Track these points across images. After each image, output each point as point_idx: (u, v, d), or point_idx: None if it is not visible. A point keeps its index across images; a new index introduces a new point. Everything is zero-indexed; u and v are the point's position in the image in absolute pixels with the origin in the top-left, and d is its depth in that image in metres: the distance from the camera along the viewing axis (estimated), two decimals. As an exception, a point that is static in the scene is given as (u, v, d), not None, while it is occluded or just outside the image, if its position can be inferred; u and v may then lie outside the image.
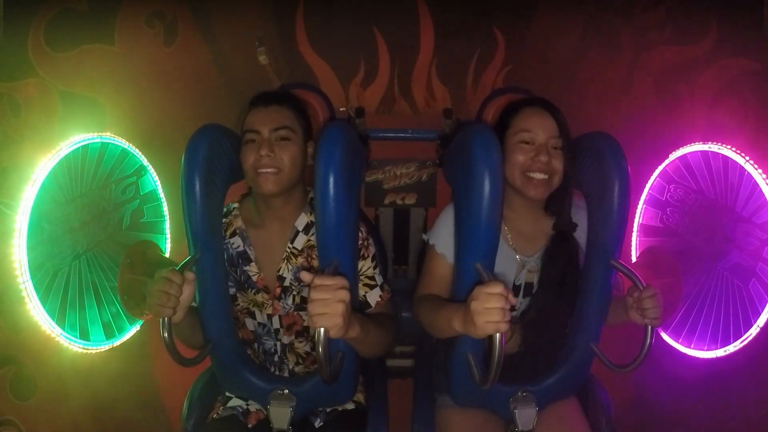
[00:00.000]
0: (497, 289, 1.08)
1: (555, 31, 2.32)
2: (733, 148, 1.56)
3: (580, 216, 1.48)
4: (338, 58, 2.55)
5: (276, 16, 2.42)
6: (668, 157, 1.81)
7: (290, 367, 1.55)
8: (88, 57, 1.54)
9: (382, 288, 1.47)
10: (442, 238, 1.44)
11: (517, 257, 1.47)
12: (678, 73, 1.78)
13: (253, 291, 1.48)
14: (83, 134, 1.51)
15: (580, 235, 1.47)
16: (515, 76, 2.56)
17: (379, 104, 2.69)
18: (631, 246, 1.96)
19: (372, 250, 1.47)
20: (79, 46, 1.51)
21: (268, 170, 1.36)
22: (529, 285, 1.49)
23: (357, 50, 2.55)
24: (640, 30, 1.94)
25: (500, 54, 2.54)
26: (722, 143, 1.59)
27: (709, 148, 1.65)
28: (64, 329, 1.45)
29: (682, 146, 1.75)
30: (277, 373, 1.55)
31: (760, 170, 1.49)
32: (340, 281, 1.11)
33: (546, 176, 1.37)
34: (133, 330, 1.75)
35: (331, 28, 2.48)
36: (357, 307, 1.35)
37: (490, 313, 1.08)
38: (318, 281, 1.10)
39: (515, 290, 1.48)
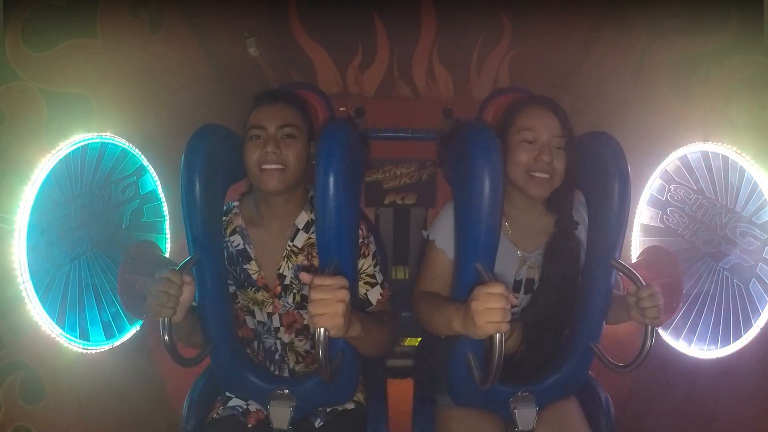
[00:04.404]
0: (498, 289, 1.08)
1: (566, 15, 2.17)
2: (734, 148, 1.56)
3: (581, 214, 1.49)
4: (334, 42, 2.40)
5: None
6: (668, 157, 1.80)
7: (290, 365, 1.55)
8: (70, 53, 1.46)
9: (382, 286, 1.47)
10: (442, 233, 1.44)
11: (518, 252, 1.48)
12: (692, 65, 1.70)
13: (254, 289, 1.48)
14: (82, 134, 1.51)
15: (581, 233, 1.47)
16: (521, 62, 2.42)
17: (378, 88, 2.58)
18: (631, 246, 1.96)
19: (372, 248, 1.47)
20: (60, 43, 1.43)
21: (273, 167, 1.37)
22: (530, 281, 1.49)
23: (354, 33, 2.39)
24: (654, 17, 1.85)
25: (506, 38, 2.36)
26: (724, 143, 1.59)
27: (709, 148, 1.64)
28: (64, 330, 1.45)
29: (682, 146, 1.74)
30: (276, 372, 1.55)
31: (760, 170, 1.49)
32: (340, 281, 1.11)
33: (548, 175, 1.37)
34: (133, 330, 1.74)
35: (326, 11, 2.30)
36: (357, 306, 1.35)
37: (491, 313, 1.08)
38: (318, 281, 1.10)
39: (516, 285, 1.49)
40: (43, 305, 1.38)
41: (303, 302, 1.47)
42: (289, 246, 1.47)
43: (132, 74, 1.74)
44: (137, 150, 1.76)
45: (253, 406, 1.51)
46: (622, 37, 2.01)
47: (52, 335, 1.41)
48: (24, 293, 1.34)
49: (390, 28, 2.39)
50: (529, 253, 1.48)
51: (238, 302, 1.51)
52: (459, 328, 1.19)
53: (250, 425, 1.47)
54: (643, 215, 1.94)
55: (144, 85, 1.80)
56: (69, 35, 1.48)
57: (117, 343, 1.66)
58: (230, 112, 1.95)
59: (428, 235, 1.49)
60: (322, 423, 1.50)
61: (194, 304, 1.35)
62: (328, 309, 1.09)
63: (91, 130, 1.55)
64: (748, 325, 1.53)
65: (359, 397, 1.59)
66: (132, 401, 1.81)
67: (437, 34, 2.38)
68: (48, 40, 1.41)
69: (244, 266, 1.48)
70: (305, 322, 1.49)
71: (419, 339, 2.21)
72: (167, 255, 1.92)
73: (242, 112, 1.49)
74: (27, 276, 1.33)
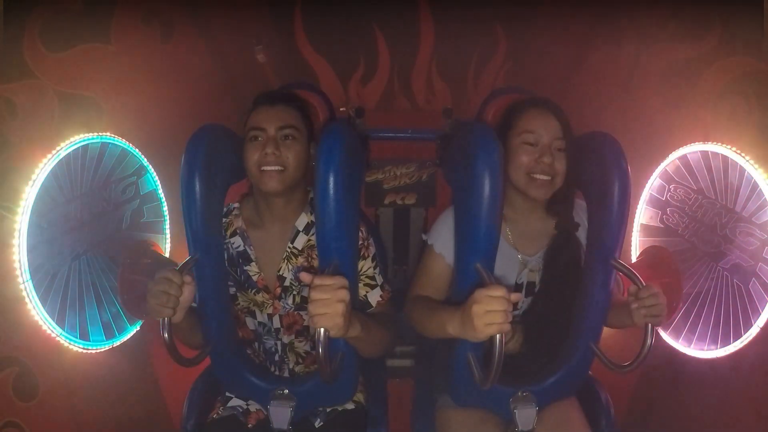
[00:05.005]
0: (499, 292, 1.08)
1: (558, 27, 2.26)
2: (733, 148, 1.56)
3: (581, 215, 1.48)
4: (337, 55, 2.50)
5: (274, 12, 2.38)
6: (668, 157, 1.81)
7: (290, 366, 1.55)
8: (84, 56, 1.52)
9: (382, 288, 1.47)
10: (442, 237, 1.44)
11: (518, 256, 1.48)
12: (681, 70, 1.76)
13: (254, 291, 1.48)
14: (83, 134, 1.51)
15: (581, 234, 1.47)
16: (517, 73, 2.49)
17: (379, 101, 2.65)
18: (631, 246, 1.96)
19: (372, 250, 1.47)
20: (75, 46, 1.49)
21: (273, 168, 1.36)
22: (531, 284, 1.49)
23: (356, 47, 2.49)
24: (642, 26, 1.91)
25: (502, 50, 2.47)
26: (724, 143, 1.59)
27: (709, 148, 1.65)
28: (64, 330, 1.45)
29: (682, 146, 1.74)
30: (277, 372, 1.55)
31: (760, 170, 1.49)
32: (340, 281, 1.11)
33: (549, 177, 1.37)
34: (133, 330, 1.74)
35: (330, 25, 2.42)
36: (357, 308, 1.35)
37: (493, 315, 1.08)
38: (318, 281, 1.10)
39: (516, 289, 1.48)
40: (43, 305, 1.39)
41: (303, 303, 1.47)
42: (289, 248, 1.47)
43: (140, 78, 1.77)
44: (138, 150, 1.76)
45: (253, 406, 1.51)
46: (613, 48, 2.08)
47: (52, 335, 1.41)
48: (24, 293, 1.34)
49: (390, 41, 2.50)
50: (529, 256, 1.48)
51: (239, 303, 1.51)
52: (455, 332, 1.18)
53: (250, 425, 1.47)
54: (643, 215, 1.94)
55: (150, 89, 1.82)
56: (84, 39, 1.52)
57: (117, 343, 1.66)
58: (233, 114, 1.96)
59: (427, 239, 1.49)
60: (322, 423, 1.50)
61: (194, 304, 1.36)
62: (328, 309, 1.09)
63: (98, 132, 1.57)
64: (748, 325, 1.53)
65: (359, 397, 1.59)
66: (132, 401, 1.81)
67: (435, 47, 2.47)
68: (64, 40, 1.45)
69: (245, 268, 1.48)
70: (305, 323, 1.49)
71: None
72: (167, 255, 1.92)
73: (244, 114, 1.49)
74: (27, 276, 1.34)
